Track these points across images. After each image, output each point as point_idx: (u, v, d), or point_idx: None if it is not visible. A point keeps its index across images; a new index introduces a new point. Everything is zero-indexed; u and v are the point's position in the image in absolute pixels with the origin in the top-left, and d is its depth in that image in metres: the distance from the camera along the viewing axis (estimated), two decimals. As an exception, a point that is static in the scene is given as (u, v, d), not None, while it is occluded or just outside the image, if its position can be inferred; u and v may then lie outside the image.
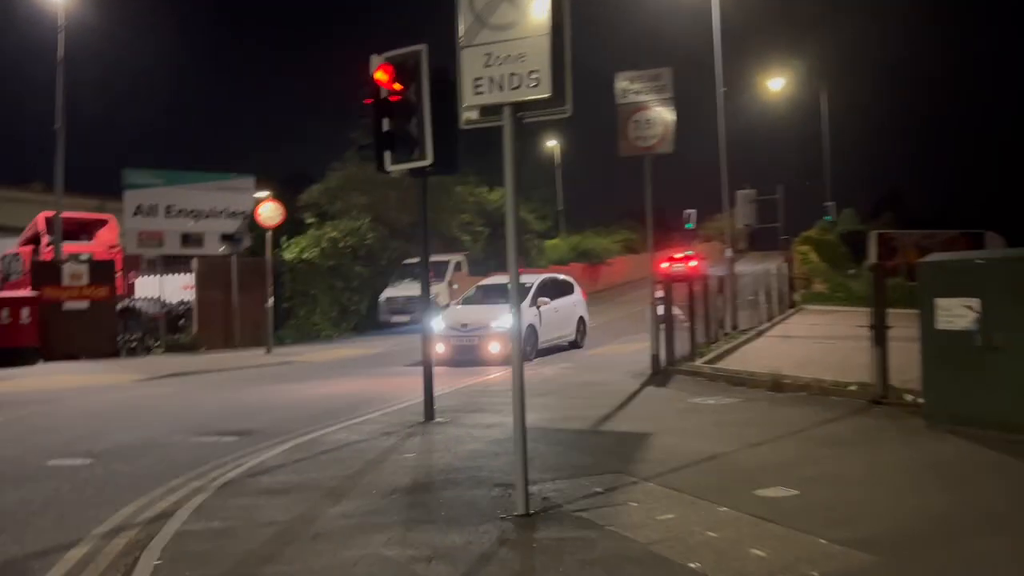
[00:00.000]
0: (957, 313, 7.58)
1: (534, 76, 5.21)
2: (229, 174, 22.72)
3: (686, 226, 46.65)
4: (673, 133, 12.08)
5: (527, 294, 15.97)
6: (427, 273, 9.45)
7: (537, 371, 13.56)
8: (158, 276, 23.28)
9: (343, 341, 23.70)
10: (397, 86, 8.63)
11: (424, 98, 8.66)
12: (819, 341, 16.30)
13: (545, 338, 16.45)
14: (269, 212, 20.01)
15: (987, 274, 7.50)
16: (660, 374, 12.13)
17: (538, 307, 16.21)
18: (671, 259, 43.36)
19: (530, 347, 15.54)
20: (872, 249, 37.98)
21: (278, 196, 30.88)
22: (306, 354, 20.08)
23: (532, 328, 15.77)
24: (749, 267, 45.58)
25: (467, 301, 17.78)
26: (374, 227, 27.02)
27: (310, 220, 26.26)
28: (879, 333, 9.19)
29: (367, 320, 26.22)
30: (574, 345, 18.16)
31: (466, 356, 15.44)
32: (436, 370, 9.80)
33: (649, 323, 12.39)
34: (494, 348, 15.23)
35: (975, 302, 7.46)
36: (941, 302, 7.70)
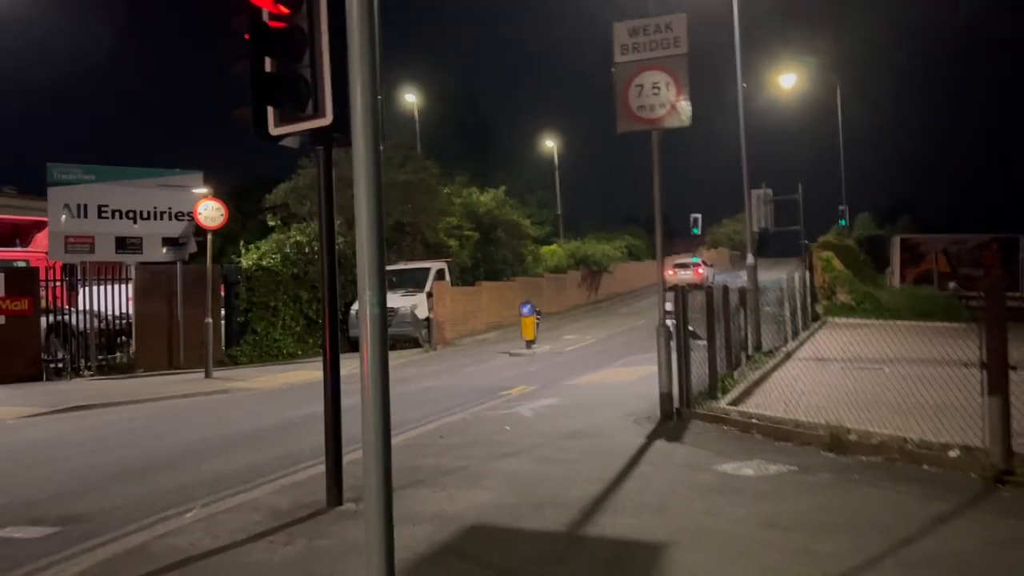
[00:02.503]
0: None
1: None
2: (173, 169, 19.79)
3: (692, 231, 43.71)
4: (688, 101, 9.14)
5: None
6: (333, 291, 6.50)
7: (512, 411, 10.60)
8: (99, 286, 20.35)
9: (307, 361, 20.74)
10: (281, 7, 5.75)
11: (321, 25, 5.76)
12: (865, 367, 13.33)
13: None
14: (209, 212, 17.12)
15: None
16: (673, 419, 9.16)
17: None
18: (677, 266, 40.41)
19: None
20: (895, 255, 35.12)
21: (243, 197, 28.08)
22: (253, 378, 17.17)
23: None
24: (763, 276, 42.58)
25: None
26: (346, 230, 24.06)
27: (273, 223, 23.33)
28: (996, 376, 6.25)
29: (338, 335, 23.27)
30: None
31: None
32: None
33: (658, 349, 9.41)
34: None
35: None
36: None
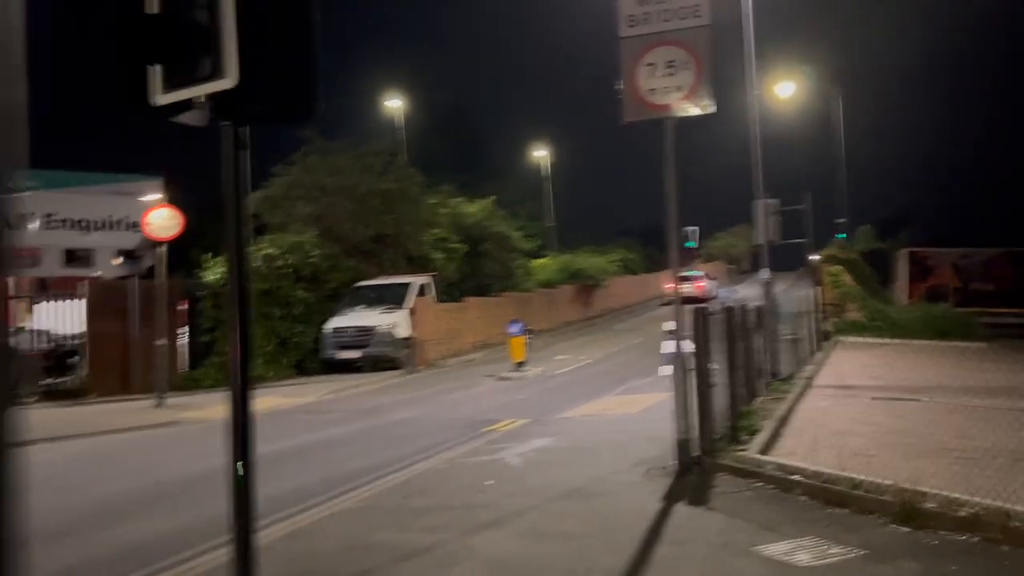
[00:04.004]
0: None
1: None
2: (130, 175, 18.15)
3: (686, 244, 42.05)
4: (709, 84, 7.54)
5: None
6: (245, 309, 4.83)
7: (497, 456, 8.89)
8: (50, 302, 18.60)
9: (277, 384, 19.00)
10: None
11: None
12: (898, 396, 11.75)
13: None
14: (161, 221, 15.39)
15: None
16: (692, 472, 7.49)
17: None
18: (678, 279, 38.76)
19: None
20: (903, 269, 33.61)
21: (211, 208, 26.27)
22: (212, 405, 15.35)
23: None
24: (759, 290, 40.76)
25: None
26: (322, 242, 22.41)
27: (242, 234, 21.61)
28: None
29: (313, 356, 21.55)
30: None
31: None
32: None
33: (675, 385, 7.75)
34: None
35: None
36: None
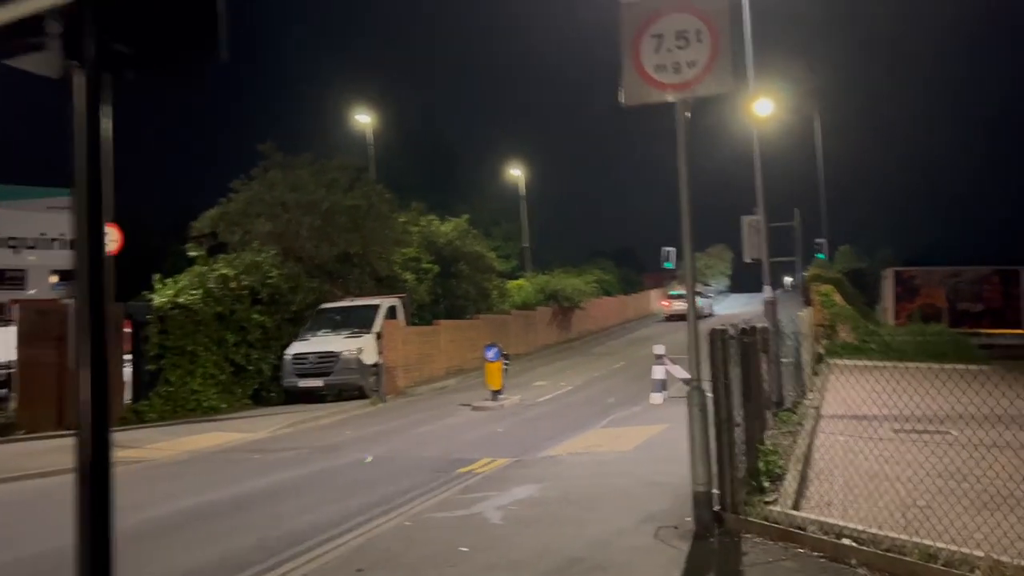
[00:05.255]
0: None
1: None
2: (64, 189, 16.50)
3: (664, 265, 40.99)
4: (728, 59, 6.24)
5: None
6: (99, 324, 3.36)
7: (473, 511, 7.40)
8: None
9: (229, 417, 17.36)
10: None
11: None
12: (923, 429, 10.46)
13: None
14: (97, 236, 13.79)
15: None
16: (714, 534, 6.08)
17: None
18: (673, 296, 39.26)
19: None
20: (889, 289, 32.67)
21: (175, 228, 24.68)
22: (153, 442, 13.80)
23: None
24: (740, 310, 39.86)
25: None
26: (282, 262, 20.85)
27: (194, 253, 20.03)
28: None
29: (272, 384, 19.91)
30: None
31: None
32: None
33: (690, 424, 6.35)
34: None
35: None
36: None
